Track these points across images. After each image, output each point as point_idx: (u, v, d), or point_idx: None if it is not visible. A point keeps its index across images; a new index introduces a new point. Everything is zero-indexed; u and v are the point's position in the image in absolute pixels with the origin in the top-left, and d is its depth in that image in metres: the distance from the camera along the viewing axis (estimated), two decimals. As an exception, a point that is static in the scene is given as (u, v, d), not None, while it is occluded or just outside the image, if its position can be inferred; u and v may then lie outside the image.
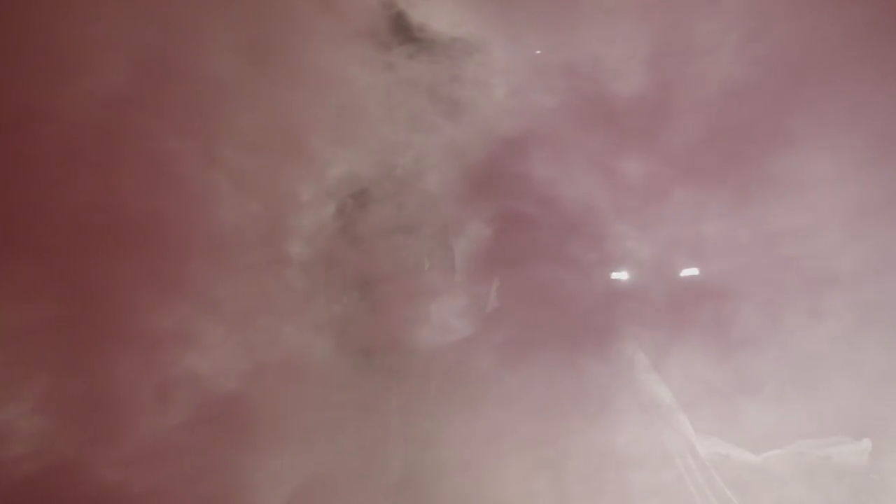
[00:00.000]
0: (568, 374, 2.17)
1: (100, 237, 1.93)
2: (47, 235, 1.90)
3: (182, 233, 2.03)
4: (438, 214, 2.31)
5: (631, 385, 2.19)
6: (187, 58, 2.05)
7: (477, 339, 2.22)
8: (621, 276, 2.30)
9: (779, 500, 2.14)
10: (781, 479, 2.13)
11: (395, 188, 2.28)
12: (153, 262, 1.97)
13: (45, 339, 1.85)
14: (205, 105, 2.07)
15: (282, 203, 2.16)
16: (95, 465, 1.82)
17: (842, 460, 2.11)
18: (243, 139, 2.09)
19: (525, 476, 2.11)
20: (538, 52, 2.27)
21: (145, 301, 1.95)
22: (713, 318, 2.23)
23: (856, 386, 2.15)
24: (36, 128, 1.91)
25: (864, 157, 2.19)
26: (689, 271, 2.30)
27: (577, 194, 2.27)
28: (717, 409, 2.19)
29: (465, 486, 2.09)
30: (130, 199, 1.97)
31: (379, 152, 2.25)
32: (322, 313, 2.18)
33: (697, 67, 2.24)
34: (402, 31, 2.26)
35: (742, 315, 2.21)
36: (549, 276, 2.26)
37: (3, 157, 1.89)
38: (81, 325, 1.89)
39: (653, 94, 2.24)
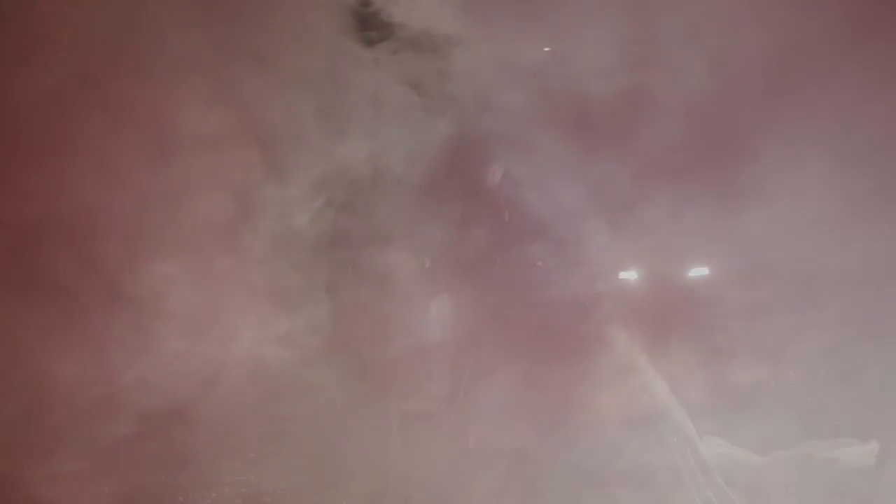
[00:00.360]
0: (545, 383, 2.07)
1: (44, 235, 1.85)
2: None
3: (135, 232, 1.94)
4: (412, 217, 2.23)
5: (614, 393, 2.09)
6: (150, 53, 1.99)
7: (450, 347, 2.14)
8: (606, 281, 2.22)
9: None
10: (782, 484, 2.03)
11: (369, 190, 2.20)
12: (102, 262, 1.88)
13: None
14: (168, 103, 2.00)
15: (247, 204, 2.07)
16: (29, 479, 1.72)
17: (849, 461, 2.02)
18: (208, 137, 2.02)
19: (495, 492, 2.01)
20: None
21: (92, 304, 1.85)
22: (700, 324, 2.15)
23: (853, 393, 2.05)
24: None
25: (858, 159, 2.12)
26: (679, 276, 2.23)
27: (556, 196, 2.20)
28: (705, 419, 2.10)
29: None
30: (78, 195, 1.88)
31: (353, 153, 2.18)
32: (287, 320, 2.07)
33: (678, 69, 2.18)
34: (378, 28, 2.20)
35: (729, 321, 2.12)
36: (526, 280, 2.20)
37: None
38: (20, 327, 1.79)
39: (635, 96, 2.18)
